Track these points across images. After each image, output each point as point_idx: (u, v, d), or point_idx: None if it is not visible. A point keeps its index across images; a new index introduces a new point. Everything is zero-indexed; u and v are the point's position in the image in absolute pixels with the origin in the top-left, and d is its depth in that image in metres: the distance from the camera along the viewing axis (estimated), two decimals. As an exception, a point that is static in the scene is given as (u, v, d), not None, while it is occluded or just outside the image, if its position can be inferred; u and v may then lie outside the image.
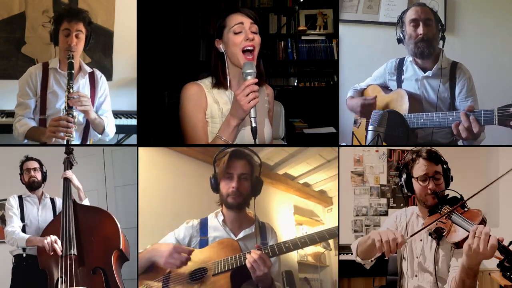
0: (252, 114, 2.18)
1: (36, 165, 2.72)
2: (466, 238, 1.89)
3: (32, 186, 2.71)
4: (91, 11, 2.98)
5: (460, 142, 2.73)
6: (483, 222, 1.98)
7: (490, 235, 1.82)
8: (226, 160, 2.33)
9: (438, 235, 2.06)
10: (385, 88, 2.98)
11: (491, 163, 2.86)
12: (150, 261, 2.28)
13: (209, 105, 2.36)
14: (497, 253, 1.84)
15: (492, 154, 2.86)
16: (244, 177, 2.35)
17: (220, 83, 2.37)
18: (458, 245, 1.95)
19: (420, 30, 2.75)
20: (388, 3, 3.10)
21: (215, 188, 2.38)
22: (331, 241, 2.67)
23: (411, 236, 2.10)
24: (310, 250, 2.74)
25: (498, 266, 1.87)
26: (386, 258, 2.07)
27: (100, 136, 2.85)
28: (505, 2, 3.01)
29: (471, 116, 2.56)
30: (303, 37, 5.43)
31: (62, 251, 2.35)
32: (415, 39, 2.77)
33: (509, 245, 1.85)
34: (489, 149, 2.85)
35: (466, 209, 2.08)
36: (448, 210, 2.04)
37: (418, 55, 2.81)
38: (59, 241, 2.36)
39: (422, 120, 2.72)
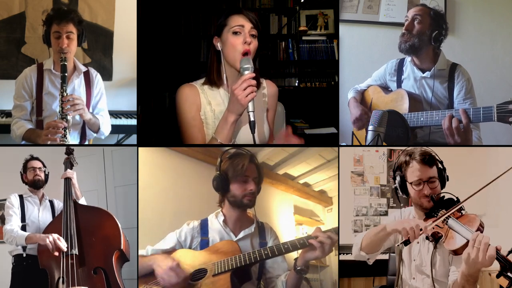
0: (250, 108, 2.15)
1: (40, 164, 2.72)
2: (464, 245, 1.88)
3: (36, 185, 2.70)
4: (91, 11, 2.99)
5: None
6: (481, 227, 1.96)
7: (489, 245, 1.81)
8: (246, 164, 2.32)
9: (435, 238, 2.05)
10: (385, 88, 2.98)
11: (490, 163, 2.85)
12: (151, 268, 2.28)
13: (203, 106, 2.37)
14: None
15: (491, 154, 2.86)
16: (257, 180, 2.36)
17: (212, 80, 2.37)
18: (456, 252, 1.94)
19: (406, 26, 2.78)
20: (388, 3, 3.10)
21: (221, 188, 2.35)
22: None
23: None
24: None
25: (497, 276, 1.86)
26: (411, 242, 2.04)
27: (95, 135, 2.85)
28: (505, 2, 3.01)
29: (459, 130, 2.57)
30: (304, 38, 5.42)
31: (67, 247, 2.34)
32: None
33: (507, 254, 1.84)
34: (488, 149, 2.85)
35: (462, 211, 2.06)
36: (444, 215, 2.02)
37: (404, 52, 2.82)
38: (62, 238, 2.35)
39: (422, 119, 2.72)
